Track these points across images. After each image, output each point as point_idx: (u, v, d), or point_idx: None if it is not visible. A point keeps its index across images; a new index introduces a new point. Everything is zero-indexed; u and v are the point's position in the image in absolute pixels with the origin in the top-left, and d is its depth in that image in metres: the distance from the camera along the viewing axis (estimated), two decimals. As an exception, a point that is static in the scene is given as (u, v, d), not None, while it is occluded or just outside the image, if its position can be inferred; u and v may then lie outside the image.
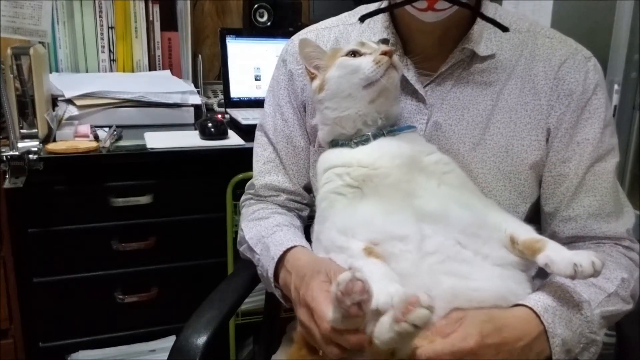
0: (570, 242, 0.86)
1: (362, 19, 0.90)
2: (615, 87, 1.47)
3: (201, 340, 0.82)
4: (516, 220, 0.79)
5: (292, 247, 0.85)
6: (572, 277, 0.69)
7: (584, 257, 0.68)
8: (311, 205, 1.01)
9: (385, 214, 0.74)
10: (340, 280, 0.61)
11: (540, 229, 0.89)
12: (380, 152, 0.79)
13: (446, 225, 0.74)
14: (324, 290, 0.71)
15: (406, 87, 0.88)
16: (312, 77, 0.85)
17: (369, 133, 0.81)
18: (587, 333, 0.75)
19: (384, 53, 0.78)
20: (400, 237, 0.72)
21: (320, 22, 1.00)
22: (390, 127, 0.82)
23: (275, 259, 0.85)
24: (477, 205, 0.78)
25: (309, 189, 1.00)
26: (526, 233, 0.75)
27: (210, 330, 0.84)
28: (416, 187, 0.77)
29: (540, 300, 0.73)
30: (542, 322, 0.72)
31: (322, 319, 0.68)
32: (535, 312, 0.72)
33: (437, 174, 0.79)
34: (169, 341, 1.54)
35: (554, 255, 0.70)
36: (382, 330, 0.62)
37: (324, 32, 0.96)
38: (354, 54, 0.80)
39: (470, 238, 0.74)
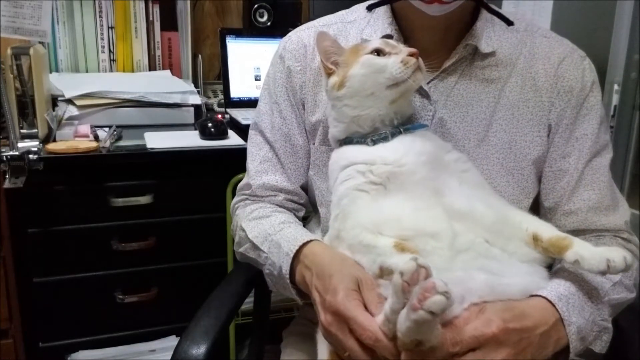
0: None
1: (370, 7, 0.90)
2: (615, 87, 1.47)
3: (200, 350, 0.80)
4: (535, 218, 0.80)
5: (307, 242, 0.83)
6: (604, 273, 0.70)
7: (615, 253, 0.69)
8: (306, 206, 1.01)
9: (415, 211, 0.73)
10: (404, 270, 0.60)
11: None
12: (404, 149, 0.78)
13: (474, 223, 0.74)
14: (355, 299, 0.69)
15: None
16: (330, 73, 0.83)
17: (387, 131, 0.80)
18: (599, 321, 0.76)
19: (411, 55, 0.77)
20: (432, 234, 0.72)
21: (318, 20, 0.99)
22: (404, 126, 0.81)
23: (291, 255, 0.82)
24: (497, 204, 0.79)
25: (305, 188, 0.99)
26: (550, 231, 0.75)
27: (209, 341, 0.81)
28: (441, 185, 0.76)
29: (553, 290, 0.74)
30: (557, 311, 0.72)
31: (365, 327, 0.66)
32: (549, 302, 0.73)
33: (457, 172, 0.80)
34: (169, 341, 1.54)
35: (584, 251, 0.71)
36: (401, 320, 0.61)
37: (321, 29, 0.96)
38: (378, 52, 0.79)
39: (496, 236, 0.74)
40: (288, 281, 0.83)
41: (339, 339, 0.70)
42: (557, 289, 0.74)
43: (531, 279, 0.74)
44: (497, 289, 0.70)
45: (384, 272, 0.70)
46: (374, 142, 0.80)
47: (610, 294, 0.78)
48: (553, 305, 0.72)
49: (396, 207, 0.74)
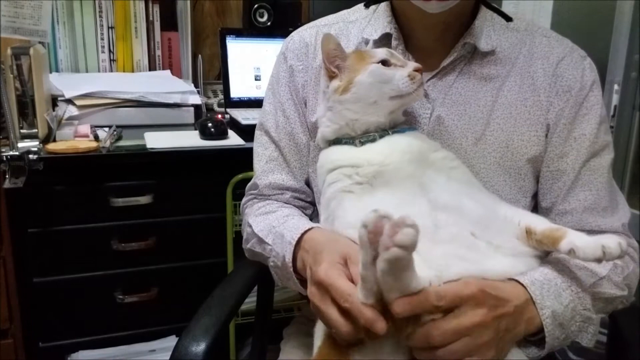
0: None
1: (367, 4, 0.90)
2: (615, 87, 1.47)
3: (200, 348, 0.80)
4: (527, 212, 0.80)
5: (308, 230, 0.83)
6: (600, 260, 0.69)
7: (609, 239, 0.69)
8: (314, 204, 1.01)
9: (398, 206, 0.74)
10: (367, 222, 0.60)
11: None
12: (389, 149, 0.80)
13: (459, 217, 0.74)
14: (337, 269, 0.70)
15: None
16: (332, 76, 0.84)
17: (375, 133, 0.82)
18: (580, 310, 0.76)
19: (417, 70, 0.79)
20: None
21: (320, 19, 1.00)
22: (393, 129, 0.83)
23: (293, 243, 0.82)
24: (486, 200, 0.79)
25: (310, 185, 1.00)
26: (543, 223, 0.75)
27: (209, 339, 0.81)
28: (427, 181, 0.77)
29: (527, 275, 0.75)
30: (529, 293, 0.73)
31: (342, 291, 0.67)
32: (522, 285, 0.73)
33: (445, 169, 0.80)
34: (169, 341, 1.54)
35: (578, 240, 0.70)
36: (378, 267, 0.61)
37: (323, 29, 0.96)
38: (384, 63, 0.80)
39: (483, 229, 0.74)
40: (291, 269, 0.83)
41: (322, 310, 0.70)
42: (533, 275, 0.75)
43: (515, 269, 0.75)
44: (475, 274, 0.70)
45: None
46: (362, 144, 0.82)
47: (596, 288, 0.78)
48: (525, 288, 0.73)
49: (380, 204, 0.74)
